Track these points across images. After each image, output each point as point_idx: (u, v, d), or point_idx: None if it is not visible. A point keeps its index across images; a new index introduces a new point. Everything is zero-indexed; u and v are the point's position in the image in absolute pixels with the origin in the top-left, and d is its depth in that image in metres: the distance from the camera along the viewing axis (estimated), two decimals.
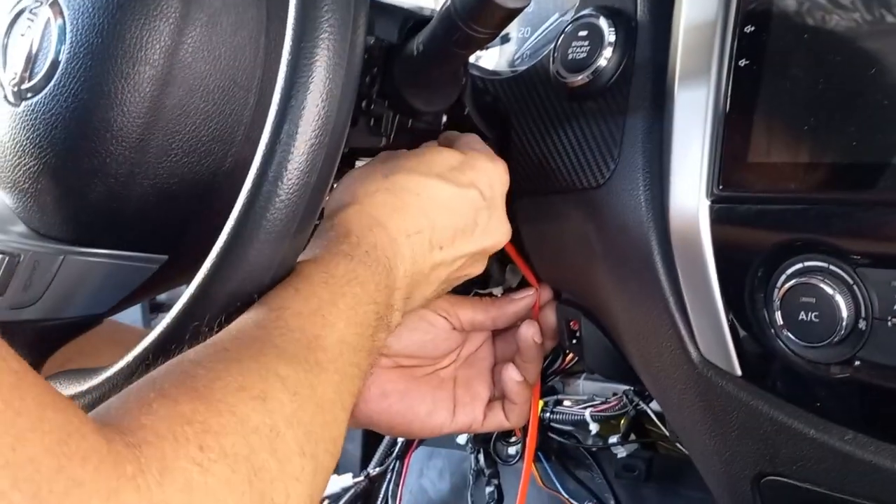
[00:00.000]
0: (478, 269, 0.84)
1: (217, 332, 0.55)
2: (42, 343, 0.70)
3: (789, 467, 0.70)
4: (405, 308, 0.73)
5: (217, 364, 0.51)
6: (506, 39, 0.95)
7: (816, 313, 0.64)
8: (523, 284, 0.96)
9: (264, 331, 0.56)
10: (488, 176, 0.80)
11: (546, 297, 0.95)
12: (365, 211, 0.71)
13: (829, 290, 0.63)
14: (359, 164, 0.90)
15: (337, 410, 0.57)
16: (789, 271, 0.65)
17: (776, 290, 0.66)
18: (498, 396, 0.95)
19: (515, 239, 0.93)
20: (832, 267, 0.63)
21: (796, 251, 0.65)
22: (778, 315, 0.66)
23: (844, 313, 0.63)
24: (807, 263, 0.65)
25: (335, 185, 0.77)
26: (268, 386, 0.51)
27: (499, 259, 0.96)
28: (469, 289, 1.03)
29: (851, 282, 0.63)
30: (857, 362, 0.63)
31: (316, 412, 0.54)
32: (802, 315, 0.65)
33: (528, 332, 0.91)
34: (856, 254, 0.63)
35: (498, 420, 0.94)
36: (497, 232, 0.82)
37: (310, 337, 0.58)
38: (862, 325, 0.62)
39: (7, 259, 0.68)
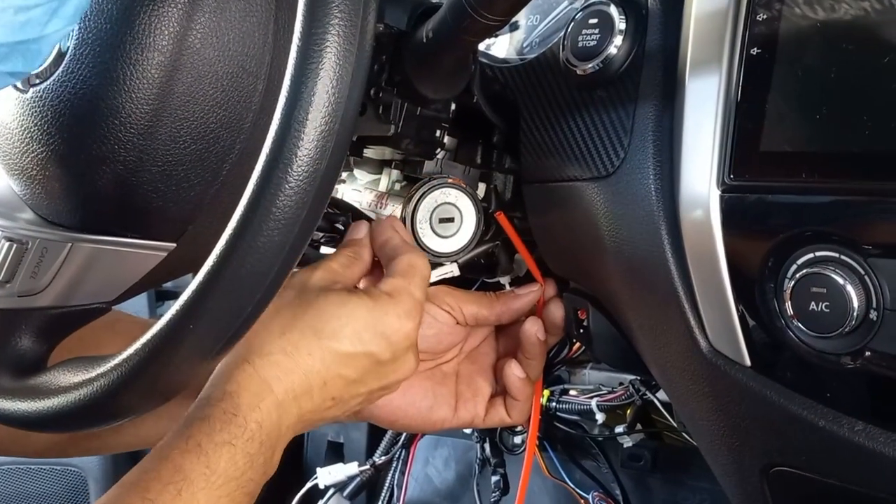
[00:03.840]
0: (383, 395, 0.84)
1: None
2: (51, 331, 0.70)
3: (798, 458, 0.70)
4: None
5: None
6: (515, 27, 0.94)
7: (827, 303, 0.63)
8: (531, 273, 0.96)
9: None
10: (393, 334, 0.78)
11: (550, 293, 0.95)
12: (257, 375, 0.72)
13: (840, 281, 0.63)
14: (367, 151, 0.90)
15: None
16: (800, 261, 0.65)
17: (787, 280, 0.66)
18: (500, 392, 0.95)
19: (523, 230, 0.93)
20: (843, 257, 0.63)
21: (807, 241, 0.65)
22: (788, 305, 0.66)
23: (855, 303, 0.62)
24: (818, 253, 0.64)
25: None
26: None
27: (506, 248, 0.96)
28: (477, 278, 1.03)
29: (863, 272, 0.62)
30: (868, 353, 0.63)
31: None
32: (813, 305, 0.64)
33: (532, 330, 0.91)
34: (867, 244, 0.62)
35: (500, 416, 0.94)
36: (399, 372, 0.81)
37: None
38: (873, 315, 0.62)
39: (15, 246, 0.68)
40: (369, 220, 0.95)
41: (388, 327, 0.78)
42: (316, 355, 0.75)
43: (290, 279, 0.78)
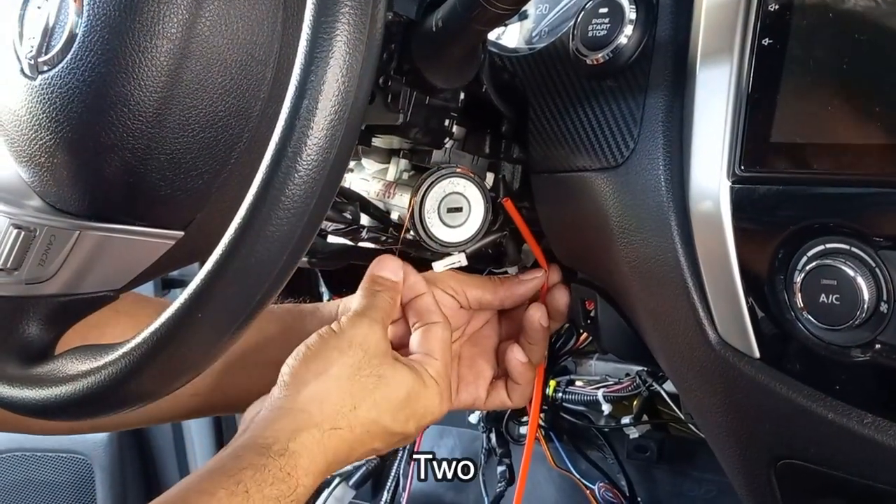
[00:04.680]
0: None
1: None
2: (58, 318, 0.70)
3: (807, 451, 0.70)
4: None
5: None
6: (524, 16, 0.94)
7: (837, 296, 0.63)
8: (539, 263, 0.95)
9: None
10: (430, 418, 0.86)
11: (554, 279, 0.95)
12: (322, 443, 0.77)
13: (851, 273, 0.62)
14: (376, 141, 0.90)
15: None
16: (810, 253, 0.65)
17: (797, 272, 0.65)
18: (501, 375, 0.95)
19: (531, 220, 0.92)
20: (854, 249, 0.63)
21: (818, 233, 0.65)
22: (798, 297, 0.65)
23: (866, 296, 0.62)
24: (828, 245, 0.64)
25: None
26: None
27: (514, 238, 0.96)
28: (484, 268, 1.03)
29: (873, 264, 0.62)
30: (878, 345, 0.63)
31: None
32: (823, 297, 0.64)
33: (536, 316, 0.91)
34: (878, 236, 0.62)
35: (500, 399, 0.95)
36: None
37: None
38: (883, 307, 0.62)
39: (23, 234, 0.67)
40: (380, 209, 0.95)
41: (431, 412, 0.85)
42: (372, 433, 0.81)
43: (348, 334, 0.83)
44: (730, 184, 0.69)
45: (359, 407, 0.79)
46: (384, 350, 0.83)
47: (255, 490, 0.69)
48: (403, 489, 1.48)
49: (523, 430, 1.36)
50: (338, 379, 0.80)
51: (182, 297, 0.56)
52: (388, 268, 0.90)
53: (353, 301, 0.88)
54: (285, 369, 0.81)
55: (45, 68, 0.65)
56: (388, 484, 1.50)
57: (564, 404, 1.31)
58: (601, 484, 1.33)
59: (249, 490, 0.69)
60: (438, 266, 0.92)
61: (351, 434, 0.79)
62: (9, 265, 0.68)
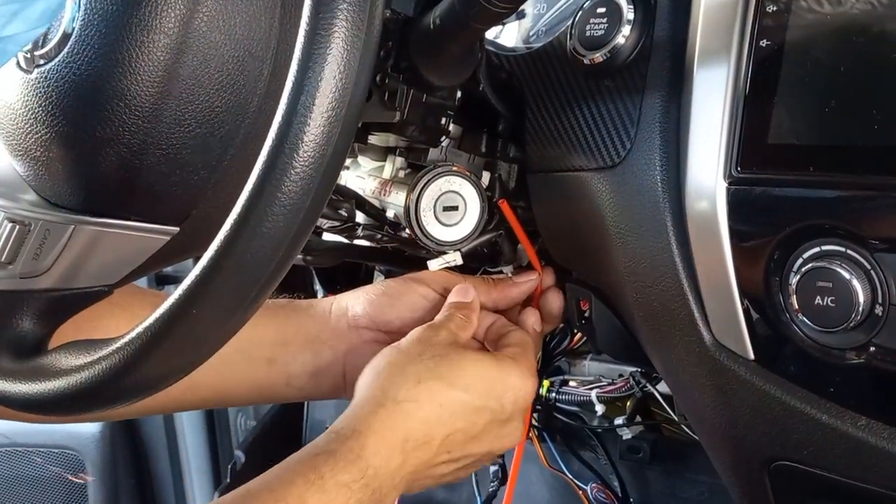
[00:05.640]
0: (484, 463, 0.90)
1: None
2: (52, 313, 0.69)
3: (800, 452, 0.70)
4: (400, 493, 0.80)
5: None
6: (521, 15, 0.94)
7: (832, 298, 0.63)
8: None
9: None
10: (514, 393, 0.84)
11: (548, 282, 0.95)
12: (388, 419, 0.77)
13: (846, 275, 0.62)
14: (372, 138, 0.90)
15: None
16: (806, 255, 0.65)
17: (792, 274, 0.66)
18: None
19: (526, 220, 0.92)
20: (849, 251, 0.63)
21: (813, 235, 0.65)
22: (793, 299, 0.66)
23: (861, 298, 0.62)
24: (824, 247, 0.64)
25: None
26: None
27: (510, 237, 0.96)
28: (479, 266, 1.03)
29: (869, 267, 0.62)
30: (873, 348, 0.63)
31: None
32: (818, 300, 0.64)
33: (529, 321, 0.92)
34: (874, 239, 0.62)
35: None
36: (509, 438, 0.87)
37: None
38: (878, 310, 0.62)
39: (17, 227, 0.67)
40: (375, 207, 0.95)
41: (513, 386, 0.84)
42: (446, 407, 0.80)
43: (415, 335, 0.85)
44: (726, 185, 0.69)
45: (423, 381, 0.80)
46: (448, 342, 0.84)
47: (329, 476, 0.71)
48: None
49: None
50: (400, 365, 0.81)
51: (177, 292, 0.56)
52: (459, 293, 0.92)
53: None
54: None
55: (42, 62, 0.65)
56: None
57: (558, 404, 1.31)
58: (594, 484, 1.33)
59: (324, 476, 0.71)
60: (433, 264, 0.92)
61: (420, 409, 0.78)
62: (3, 259, 0.67)
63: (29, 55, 0.66)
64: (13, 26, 0.54)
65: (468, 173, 0.88)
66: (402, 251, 0.98)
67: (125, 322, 0.80)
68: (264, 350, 0.95)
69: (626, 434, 1.30)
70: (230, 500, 0.71)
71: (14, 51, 0.55)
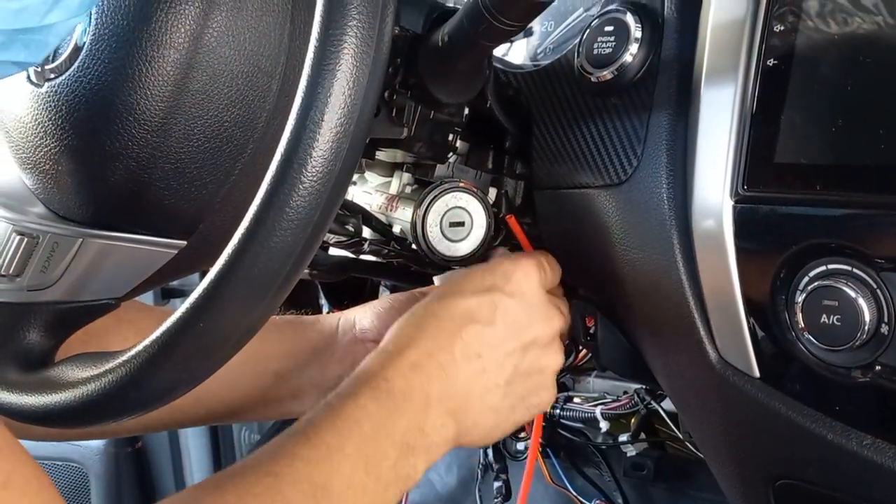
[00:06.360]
0: (547, 371, 0.85)
1: None
2: (59, 325, 0.69)
3: (806, 471, 0.70)
4: (460, 436, 0.77)
5: None
6: (529, 33, 0.94)
7: (838, 317, 0.63)
8: None
9: (275, 480, 0.64)
10: (505, 271, 0.83)
11: None
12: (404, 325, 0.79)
13: (852, 294, 0.63)
14: (379, 154, 0.90)
15: None
16: (812, 273, 0.65)
17: (798, 293, 0.66)
18: None
19: (532, 237, 0.93)
20: (856, 270, 0.63)
21: (820, 253, 0.65)
22: (799, 317, 0.66)
23: (867, 317, 0.62)
24: (830, 266, 0.64)
25: None
26: None
27: (511, 250, 0.96)
28: None
29: (875, 286, 0.62)
30: (878, 367, 0.63)
31: None
32: (824, 318, 0.64)
33: None
34: (880, 257, 0.62)
35: None
36: (536, 318, 0.83)
37: (316, 486, 0.65)
38: (884, 329, 0.62)
39: (26, 240, 0.67)
40: (382, 222, 0.95)
41: (502, 266, 0.84)
42: (444, 315, 0.80)
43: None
44: (732, 203, 0.69)
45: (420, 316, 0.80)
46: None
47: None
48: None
49: (521, 445, 1.36)
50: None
51: (184, 306, 0.56)
52: None
53: None
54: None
55: (52, 76, 0.65)
56: None
57: (562, 421, 1.31)
58: (597, 502, 1.33)
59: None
60: (439, 280, 0.93)
61: (417, 327, 0.79)
62: (11, 271, 0.67)
63: (39, 69, 0.66)
64: (54, 14, 0.54)
65: (475, 189, 0.88)
66: (409, 266, 0.98)
67: (132, 336, 0.80)
68: (271, 364, 0.95)
69: (631, 451, 1.30)
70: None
71: (54, 42, 0.55)
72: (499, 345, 0.80)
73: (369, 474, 0.68)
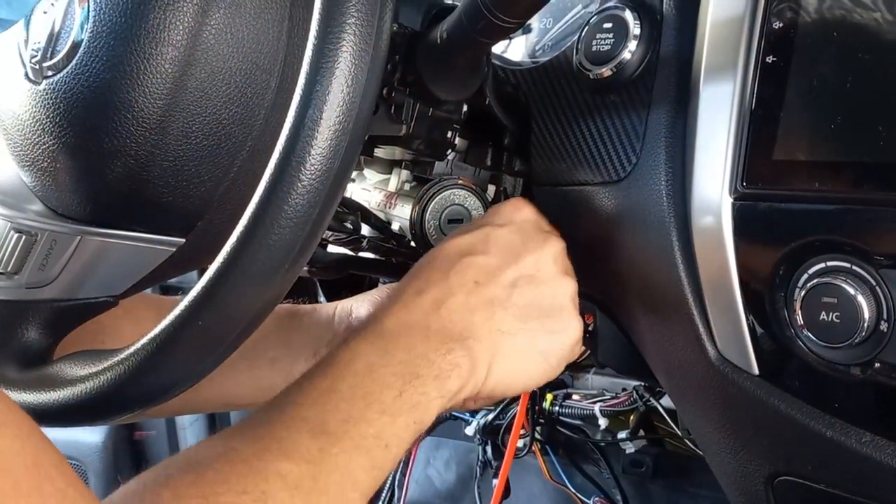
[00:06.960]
0: (561, 297, 0.79)
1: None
2: (57, 323, 0.69)
3: (804, 468, 0.70)
4: (477, 367, 0.73)
5: (225, 466, 0.58)
6: (527, 30, 0.94)
7: (837, 314, 0.63)
8: None
9: (270, 426, 0.63)
10: (493, 209, 0.82)
11: None
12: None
13: (852, 291, 0.63)
14: (378, 151, 0.90)
15: (346, 491, 0.62)
16: (811, 271, 0.65)
17: (797, 290, 0.66)
18: None
19: None
20: (855, 267, 0.63)
21: (819, 251, 0.65)
22: (798, 315, 0.66)
23: (866, 314, 0.62)
24: (829, 263, 0.64)
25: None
26: (269, 486, 0.57)
27: None
28: None
29: (874, 283, 0.62)
30: (878, 364, 0.63)
31: (319, 501, 0.60)
32: (823, 315, 0.64)
33: None
34: (879, 255, 0.62)
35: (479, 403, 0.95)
36: (531, 241, 0.80)
37: (313, 424, 0.63)
38: (883, 326, 0.62)
39: (24, 238, 0.67)
40: (381, 219, 0.95)
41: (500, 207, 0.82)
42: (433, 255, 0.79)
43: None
44: (731, 200, 0.69)
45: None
46: None
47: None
48: (398, 501, 1.48)
49: (519, 443, 1.36)
50: None
51: (183, 303, 0.56)
52: None
53: None
54: None
55: (50, 73, 0.65)
56: (383, 495, 1.49)
57: (561, 418, 1.31)
58: (596, 498, 1.33)
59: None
60: None
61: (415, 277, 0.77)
62: (9, 269, 0.67)
63: (37, 66, 0.66)
64: None
65: (473, 186, 0.88)
66: (407, 263, 0.98)
67: (130, 329, 0.80)
68: (267, 352, 0.95)
69: (629, 448, 1.30)
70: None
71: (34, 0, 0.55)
72: (496, 271, 0.77)
73: (370, 407, 0.66)
